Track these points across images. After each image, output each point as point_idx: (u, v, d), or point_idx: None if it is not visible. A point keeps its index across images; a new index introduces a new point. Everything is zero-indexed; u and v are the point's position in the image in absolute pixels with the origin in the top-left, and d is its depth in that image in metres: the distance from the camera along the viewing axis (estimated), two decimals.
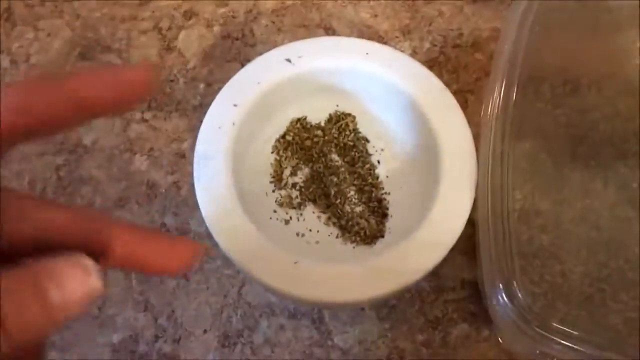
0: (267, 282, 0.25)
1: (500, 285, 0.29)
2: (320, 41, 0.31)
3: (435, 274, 0.34)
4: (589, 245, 0.33)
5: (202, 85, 0.39)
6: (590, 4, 0.33)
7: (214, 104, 0.29)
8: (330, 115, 0.34)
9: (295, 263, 0.26)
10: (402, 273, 0.26)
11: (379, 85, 0.31)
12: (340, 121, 0.33)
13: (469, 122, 0.32)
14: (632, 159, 0.35)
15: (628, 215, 0.34)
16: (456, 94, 0.40)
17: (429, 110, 0.29)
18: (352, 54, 0.30)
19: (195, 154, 0.28)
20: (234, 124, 0.29)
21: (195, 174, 0.28)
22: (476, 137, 0.32)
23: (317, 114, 0.33)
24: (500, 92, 0.33)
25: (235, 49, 0.40)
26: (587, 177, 0.35)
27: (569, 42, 0.35)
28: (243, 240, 0.26)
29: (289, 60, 0.30)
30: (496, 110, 0.32)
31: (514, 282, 0.30)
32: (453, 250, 0.35)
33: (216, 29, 0.41)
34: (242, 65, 0.41)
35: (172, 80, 0.39)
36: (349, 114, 0.34)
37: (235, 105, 0.29)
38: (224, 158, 0.28)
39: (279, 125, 0.33)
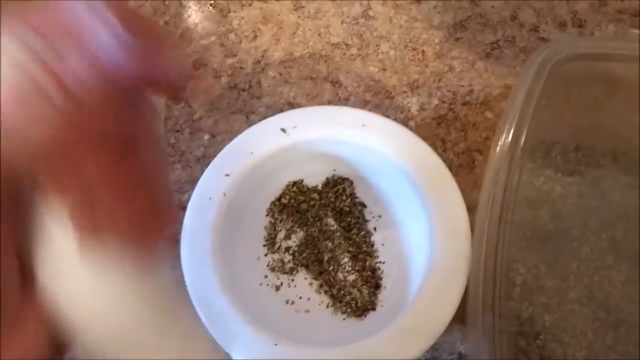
0: None
1: None
2: (316, 111, 0.31)
3: (431, 346, 0.33)
4: (596, 327, 0.31)
5: (206, 137, 0.39)
6: (604, 71, 0.31)
7: (204, 175, 0.29)
8: (327, 179, 0.33)
9: (275, 345, 0.25)
10: None
11: (374, 157, 0.30)
12: (337, 185, 0.33)
13: (476, 183, 0.30)
14: None
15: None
16: (464, 153, 0.39)
17: (424, 188, 0.29)
18: (348, 125, 0.30)
19: (183, 229, 0.28)
20: (225, 194, 0.28)
21: (182, 251, 0.27)
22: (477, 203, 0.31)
23: (314, 178, 0.33)
24: (505, 156, 0.31)
25: (241, 100, 0.40)
26: (597, 252, 0.33)
27: (584, 108, 0.34)
28: (225, 320, 0.25)
29: (283, 130, 0.29)
30: (500, 174, 0.31)
31: None
32: (452, 320, 0.34)
33: (224, 79, 0.41)
34: (247, 118, 0.41)
35: (177, 131, 0.40)
36: (347, 179, 0.33)
37: (227, 175, 0.29)
38: (211, 233, 0.27)
39: (274, 188, 0.33)
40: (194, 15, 0.44)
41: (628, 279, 0.32)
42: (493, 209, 0.27)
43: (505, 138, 0.28)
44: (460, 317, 0.34)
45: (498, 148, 0.28)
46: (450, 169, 0.38)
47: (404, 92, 0.40)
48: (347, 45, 0.42)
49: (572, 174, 0.34)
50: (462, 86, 0.40)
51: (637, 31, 0.33)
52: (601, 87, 0.31)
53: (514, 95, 0.28)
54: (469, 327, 0.25)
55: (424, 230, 0.29)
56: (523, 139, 0.28)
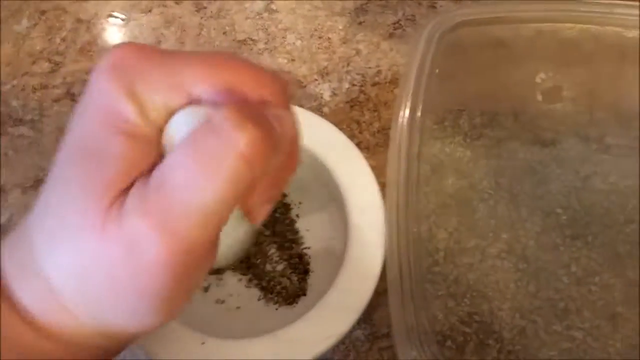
0: None
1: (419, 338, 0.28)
2: None
3: (368, 320, 0.34)
4: (517, 278, 0.33)
5: None
6: (489, 35, 0.33)
7: None
8: None
9: (202, 344, 0.25)
10: (313, 342, 0.25)
11: None
12: None
13: None
14: (554, 184, 0.35)
15: (555, 242, 0.34)
16: (379, 132, 0.40)
17: (334, 167, 0.29)
18: None
19: None
20: None
21: None
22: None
23: None
24: (406, 128, 0.32)
25: None
26: (511, 207, 0.35)
27: (479, 73, 0.35)
28: None
29: None
30: (401, 146, 0.32)
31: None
32: (383, 293, 0.35)
33: None
34: None
35: None
36: None
37: None
38: None
39: None
40: (93, 28, 0.43)
41: (542, 229, 0.34)
42: (400, 180, 0.28)
43: (403, 111, 0.29)
44: None
45: (399, 121, 0.29)
46: (368, 148, 0.39)
47: (315, 79, 0.41)
48: (253, 40, 0.42)
49: (479, 137, 0.36)
50: (370, 68, 0.41)
51: None
52: (490, 51, 0.32)
53: (407, 69, 0.29)
54: (391, 297, 0.26)
55: (340, 209, 0.29)
56: (420, 110, 0.29)
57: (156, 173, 0.15)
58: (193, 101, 0.16)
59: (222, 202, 0.15)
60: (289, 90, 0.18)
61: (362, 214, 0.28)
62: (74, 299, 0.16)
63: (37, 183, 0.36)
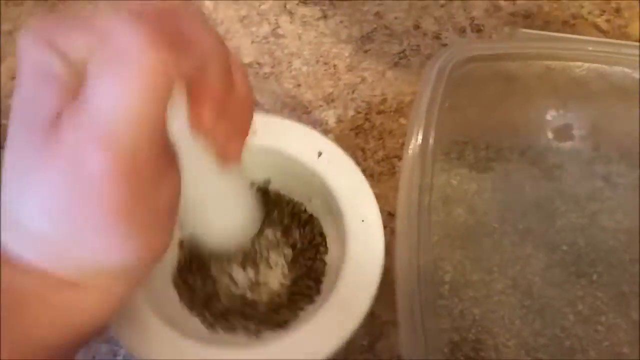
0: None
1: None
2: None
3: (371, 350, 0.33)
4: (523, 314, 0.32)
5: None
6: (499, 70, 0.33)
7: None
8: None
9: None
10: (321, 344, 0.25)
11: (287, 160, 0.30)
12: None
13: (397, 188, 0.30)
14: (560, 220, 0.35)
15: (560, 278, 0.33)
16: (383, 160, 0.40)
17: (335, 185, 0.29)
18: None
19: None
20: None
21: None
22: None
23: None
24: (416, 158, 0.32)
25: None
26: (516, 242, 0.34)
27: (487, 107, 0.35)
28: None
29: None
30: (411, 178, 0.31)
31: None
32: (388, 324, 0.34)
33: None
34: None
35: None
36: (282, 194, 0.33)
37: None
38: None
39: None
40: None
41: (547, 265, 0.33)
42: (411, 211, 0.28)
43: (415, 141, 0.28)
44: (397, 320, 0.34)
45: (410, 152, 0.29)
46: (372, 176, 0.38)
47: (320, 105, 0.40)
48: (259, 64, 0.42)
49: (485, 170, 0.36)
50: (375, 95, 0.41)
51: (526, 30, 0.35)
52: (499, 86, 0.32)
53: (418, 100, 0.29)
54: (402, 329, 0.25)
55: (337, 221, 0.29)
56: (432, 141, 0.28)
57: (82, 89, 0.17)
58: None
59: (143, 107, 0.16)
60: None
61: (360, 225, 0.28)
62: (52, 237, 0.17)
63: None
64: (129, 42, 0.16)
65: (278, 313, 0.29)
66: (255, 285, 0.30)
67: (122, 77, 0.16)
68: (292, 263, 0.30)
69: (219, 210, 0.25)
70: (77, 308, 0.19)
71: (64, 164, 0.16)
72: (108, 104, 0.16)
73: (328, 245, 0.31)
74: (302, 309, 0.29)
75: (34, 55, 0.17)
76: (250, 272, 0.30)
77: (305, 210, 0.32)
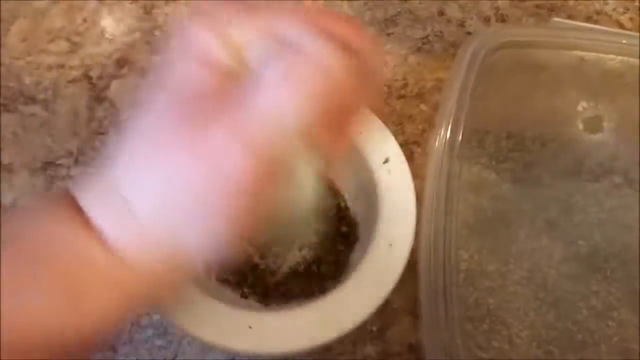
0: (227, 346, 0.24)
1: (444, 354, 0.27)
2: None
3: (381, 337, 0.33)
4: (537, 306, 0.32)
5: None
6: (530, 59, 0.32)
7: None
8: None
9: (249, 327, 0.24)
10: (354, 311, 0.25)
11: None
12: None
13: (414, 175, 0.30)
14: (578, 215, 0.34)
15: (575, 272, 0.33)
16: (402, 146, 0.39)
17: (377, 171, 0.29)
18: None
19: None
20: None
21: None
22: (421, 192, 0.31)
23: None
24: (444, 147, 0.32)
25: None
26: (533, 234, 0.34)
27: (512, 95, 0.35)
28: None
29: None
30: (440, 166, 0.31)
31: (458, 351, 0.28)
32: (399, 311, 0.34)
33: (151, 77, 0.39)
34: None
35: (102, 133, 0.37)
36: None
37: None
38: None
39: None
40: (115, 12, 0.41)
41: (564, 258, 0.33)
42: (439, 199, 0.27)
43: (445, 130, 0.28)
44: (410, 308, 0.34)
45: (438, 140, 0.28)
46: None
47: None
48: None
49: (505, 160, 0.35)
50: (396, 80, 0.40)
51: (560, 20, 0.35)
52: (527, 75, 0.32)
53: (449, 88, 0.29)
54: (424, 316, 0.25)
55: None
56: (462, 130, 0.28)
57: (241, 92, 0.17)
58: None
59: (301, 122, 0.17)
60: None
61: (394, 213, 0.28)
62: (153, 219, 0.18)
63: (45, 165, 0.34)
64: (323, 60, 0.17)
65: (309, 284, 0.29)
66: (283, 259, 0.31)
67: (304, 93, 0.16)
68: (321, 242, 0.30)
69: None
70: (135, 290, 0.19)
71: (205, 162, 0.17)
72: (271, 112, 0.16)
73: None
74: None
75: (196, 36, 0.18)
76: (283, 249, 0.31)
77: (347, 207, 0.32)
